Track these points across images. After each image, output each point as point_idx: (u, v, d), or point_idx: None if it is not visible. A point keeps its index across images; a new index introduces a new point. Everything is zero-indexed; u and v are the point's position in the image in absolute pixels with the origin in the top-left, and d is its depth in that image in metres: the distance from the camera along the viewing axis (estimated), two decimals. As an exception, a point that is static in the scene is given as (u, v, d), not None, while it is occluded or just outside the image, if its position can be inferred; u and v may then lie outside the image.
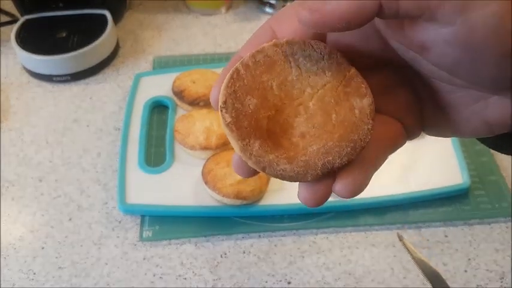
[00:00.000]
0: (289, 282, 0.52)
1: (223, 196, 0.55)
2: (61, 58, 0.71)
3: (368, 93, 0.23)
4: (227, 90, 0.23)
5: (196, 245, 0.55)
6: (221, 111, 0.22)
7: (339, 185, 0.22)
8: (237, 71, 0.23)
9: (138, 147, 0.62)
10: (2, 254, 0.54)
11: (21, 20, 0.77)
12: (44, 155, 0.64)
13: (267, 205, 0.57)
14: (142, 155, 0.61)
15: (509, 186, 0.59)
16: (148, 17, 0.86)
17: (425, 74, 0.24)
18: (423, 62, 0.22)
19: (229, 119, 0.22)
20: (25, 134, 0.67)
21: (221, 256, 0.54)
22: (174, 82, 0.68)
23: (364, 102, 0.23)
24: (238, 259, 0.54)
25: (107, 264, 0.53)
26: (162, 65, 0.76)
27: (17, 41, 0.73)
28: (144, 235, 0.55)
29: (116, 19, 0.81)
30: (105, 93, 0.72)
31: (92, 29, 0.75)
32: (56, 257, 0.54)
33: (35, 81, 0.74)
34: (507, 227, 0.56)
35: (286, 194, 0.57)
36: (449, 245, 0.54)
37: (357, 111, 0.23)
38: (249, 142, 0.22)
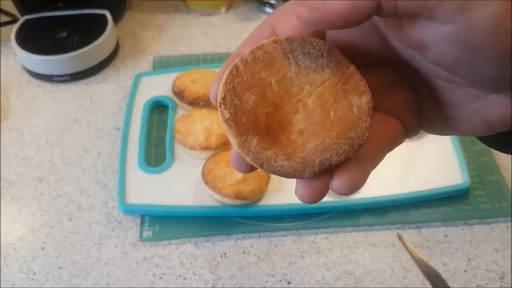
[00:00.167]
0: (289, 282, 0.52)
1: (223, 196, 0.55)
2: (61, 58, 0.71)
3: (367, 91, 0.23)
4: (226, 87, 0.23)
5: (196, 245, 0.55)
6: (220, 107, 0.23)
7: (336, 182, 0.22)
8: (236, 67, 0.23)
9: (138, 147, 0.62)
10: (2, 254, 0.54)
11: (21, 20, 0.77)
12: (44, 155, 0.64)
13: (267, 205, 0.57)
14: (142, 155, 0.61)
15: (509, 186, 0.59)
16: (148, 17, 0.86)
17: (424, 73, 0.24)
18: (422, 61, 0.22)
19: (227, 115, 0.22)
20: (25, 134, 0.67)
21: (221, 256, 0.54)
22: (174, 82, 0.68)
23: (362, 100, 0.23)
24: (238, 259, 0.54)
25: (107, 264, 0.53)
26: (162, 65, 0.76)
27: (17, 41, 0.73)
28: (144, 235, 0.55)
29: (116, 19, 0.81)
30: (105, 93, 0.72)
31: (92, 29, 0.75)
32: (56, 257, 0.54)
33: (35, 81, 0.74)
34: (507, 227, 0.56)
35: (286, 194, 0.57)
36: (449, 245, 0.54)
37: (355, 109, 0.23)
38: (247, 138, 0.22)
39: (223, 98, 0.22)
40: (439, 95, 0.24)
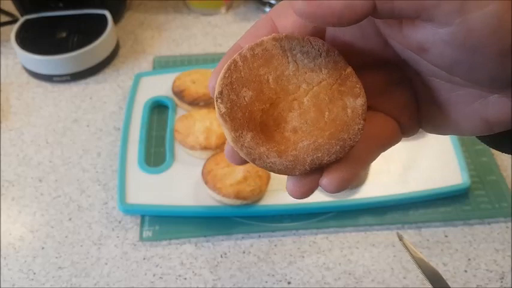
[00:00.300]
0: (289, 282, 0.52)
1: (223, 196, 0.55)
2: (61, 58, 0.71)
3: (362, 94, 0.23)
4: (224, 81, 0.23)
5: (196, 245, 0.55)
6: (216, 101, 0.23)
7: (325, 179, 0.23)
8: (234, 62, 0.23)
9: (138, 147, 0.62)
10: (2, 254, 0.54)
11: (21, 20, 0.77)
12: (44, 155, 0.64)
13: (267, 205, 0.57)
14: (142, 155, 0.61)
15: (509, 186, 0.59)
16: (148, 17, 0.86)
17: (424, 73, 0.24)
18: (422, 62, 0.22)
19: (223, 110, 0.23)
20: (25, 134, 0.67)
21: (221, 256, 0.54)
22: (174, 82, 0.68)
23: (357, 102, 0.23)
24: (238, 259, 0.54)
25: (106, 264, 0.53)
26: (162, 65, 0.76)
27: (17, 41, 0.74)
28: (144, 235, 0.55)
29: (116, 19, 0.81)
30: (105, 93, 0.72)
31: (92, 29, 0.75)
32: (56, 257, 0.54)
33: (35, 81, 0.74)
34: (507, 227, 0.56)
35: (286, 194, 0.56)
36: (449, 245, 0.54)
37: (349, 111, 0.23)
38: (242, 133, 0.23)
39: (221, 93, 0.23)
40: (439, 94, 0.24)
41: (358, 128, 0.23)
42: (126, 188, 0.58)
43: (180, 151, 0.62)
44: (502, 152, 0.27)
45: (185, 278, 0.52)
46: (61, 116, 0.69)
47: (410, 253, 0.43)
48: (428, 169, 0.59)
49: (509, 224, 0.56)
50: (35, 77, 0.74)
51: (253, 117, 0.23)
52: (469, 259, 0.53)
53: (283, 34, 0.23)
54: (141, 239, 0.55)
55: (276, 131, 0.23)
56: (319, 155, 0.23)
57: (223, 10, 0.86)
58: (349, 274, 0.52)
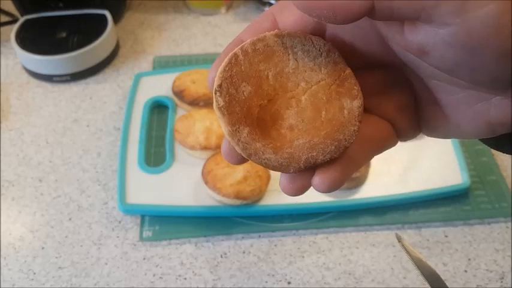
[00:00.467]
0: (289, 282, 0.52)
1: (223, 196, 0.55)
2: (61, 58, 0.71)
3: (359, 96, 0.24)
4: (223, 74, 0.23)
5: (196, 245, 0.55)
6: (215, 94, 0.23)
7: (317, 179, 0.23)
8: (235, 56, 0.23)
9: (138, 147, 0.62)
10: (2, 254, 0.54)
11: (21, 20, 0.77)
12: (44, 155, 0.64)
13: (267, 205, 0.57)
14: (142, 155, 0.61)
15: (509, 186, 0.59)
16: (148, 17, 0.86)
17: (425, 75, 0.24)
18: (422, 64, 0.22)
19: (221, 103, 0.23)
20: (25, 134, 0.67)
21: (221, 256, 0.54)
22: (174, 82, 0.68)
23: (354, 104, 0.23)
24: (238, 259, 0.54)
25: (106, 264, 0.53)
26: (162, 65, 0.76)
27: (17, 41, 0.74)
28: (144, 235, 0.55)
29: (116, 19, 0.81)
30: (105, 93, 0.72)
31: (92, 29, 0.75)
32: (56, 257, 0.54)
33: (35, 81, 0.74)
34: (507, 227, 0.56)
35: (286, 194, 0.57)
36: (449, 245, 0.54)
37: (346, 112, 0.23)
38: (239, 128, 0.23)
39: (220, 86, 0.23)
40: (440, 97, 0.24)
41: (354, 130, 0.23)
42: (126, 188, 0.58)
43: (180, 151, 0.62)
44: (502, 153, 0.27)
45: (185, 278, 0.52)
46: (61, 116, 0.69)
47: (410, 254, 0.43)
48: (429, 169, 0.59)
49: (509, 224, 0.56)
50: (35, 77, 0.74)
51: (251, 112, 0.23)
52: (469, 259, 0.53)
53: (286, 31, 0.24)
54: (141, 239, 0.55)
55: (272, 128, 0.23)
56: (314, 154, 0.23)
57: (223, 10, 0.86)
58: (349, 274, 0.52)
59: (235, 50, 0.23)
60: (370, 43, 0.23)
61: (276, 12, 0.24)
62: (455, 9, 0.18)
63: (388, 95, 0.25)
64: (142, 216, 0.57)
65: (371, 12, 0.19)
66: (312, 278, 0.52)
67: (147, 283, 0.52)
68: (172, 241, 0.55)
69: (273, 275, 0.52)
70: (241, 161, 0.24)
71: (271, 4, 0.84)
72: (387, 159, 0.60)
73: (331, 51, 0.24)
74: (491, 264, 0.53)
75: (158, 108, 0.68)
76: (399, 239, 0.47)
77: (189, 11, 0.87)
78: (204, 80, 0.68)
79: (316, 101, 0.23)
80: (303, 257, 0.54)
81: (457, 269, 0.52)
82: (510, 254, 0.53)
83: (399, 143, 0.27)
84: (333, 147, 0.23)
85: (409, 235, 0.55)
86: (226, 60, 0.23)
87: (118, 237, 0.56)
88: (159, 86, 0.70)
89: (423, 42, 0.20)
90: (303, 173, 0.23)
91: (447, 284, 0.44)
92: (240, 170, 0.56)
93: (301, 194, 0.24)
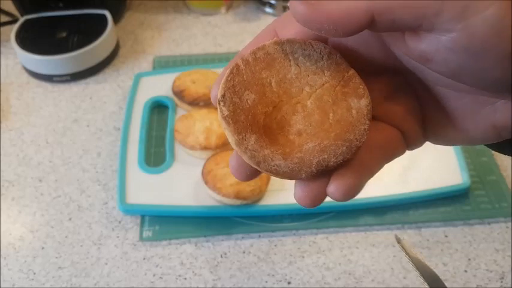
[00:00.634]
0: (289, 282, 0.52)
1: (223, 196, 0.55)
2: (61, 58, 0.71)
3: (366, 94, 0.23)
4: (226, 84, 0.23)
5: (196, 245, 0.55)
6: (219, 104, 0.23)
7: (332, 186, 0.22)
8: (237, 66, 0.23)
9: (138, 147, 0.62)
10: (2, 254, 0.54)
11: (21, 20, 0.77)
12: (44, 155, 0.64)
13: (267, 205, 0.57)
14: (142, 155, 0.61)
15: (509, 186, 0.59)
16: (148, 17, 0.86)
17: (429, 81, 0.24)
18: (426, 70, 0.22)
19: (226, 112, 0.22)
20: (25, 134, 0.67)
21: (221, 256, 0.54)
22: (174, 82, 0.68)
23: (361, 103, 0.23)
24: (238, 259, 0.54)
25: (106, 264, 0.53)
26: (162, 65, 0.76)
27: (17, 41, 0.74)
28: (144, 235, 0.55)
29: (116, 19, 0.81)
30: (105, 93, 0.72)
31: (92, 29, 0.75)
32: (56, 257, 0.54)
33: (35, 81, 0.74)
34: (507, 227, 0.56)
35: (286, 194, 0.57)
36: (449, 245, 0.54)
37: (354, 112, 0.23)
38: (245, 136, 0.22)
39: (223, 96, 0.23)
40: (446, 104, 0.24)
41: (364, 128, 0.23)
42: (126, 188, 0.58)
43: (180, 151, 0.62)
44: (502, 154, 0.27)
45: (185, 278, 0.52)
46: (61, 116, 0.69)
47: (409, 255, 0.43)
48: (428, 169, 0.59)
49: (509, 224, 0.56)
50: (35, 77, 0.74)
51: (257, 120, 0.23)
52: (469, 259, 0.53)
53: (285, 38, 0.23)
54: (141, 239, 0.55)
55: (280, 134, 0.23)
56: (325, 156, 0.22)
57: (223, 10, 0.86)
58: (349, 274, 0.52)
59: (236, 60, 0.23)
60: (373, 49, 0.23)
61: (278, 27, 0.24)
62: (456, 15, 0.18)
63: (394, 101, 0.25)
64: (142, 216, 0.57)
65: (372, 25, 0.19)
66: (312, 278, 0.52)
67: (147, 283, 0.52)
68: (172, 241, 0.55)
69: (273, 275, 0.52)
70: (251, 176, 0.23)
71: (271, 4, 0.84)
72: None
73: (332, 54, 0.23)
74: (491, 264, 0.53)
75: (158, 108, 0.68)
76: (398, 241, 0.47)
77: (189, 11, 0.87)
78: (204, 80, 0.68)
79: (322, 104, 0.23)
80: (303, 257, 0.54)
81: (457, 269, 0.52)
82: (510, 254, 0.53)
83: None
84: (345, 147, 0.22)
85: (409, 235, 0.55)
86: (227, 71, 0.23)
87: (118, 237, 0.56)
88: (159, 86, 0.70)
89: (425, 49, 0.20)
90: (316, 181, 0.22)
91: (447, 284, 0.44)
92: (240, 170, 0.56)
93: (318, 204, 0.23)
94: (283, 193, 0.57)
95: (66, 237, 0.56)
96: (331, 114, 0.23)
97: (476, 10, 0.18)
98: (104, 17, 0.77)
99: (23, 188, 0.60)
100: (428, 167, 0.59)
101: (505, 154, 0.27)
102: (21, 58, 0.74)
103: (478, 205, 0.57)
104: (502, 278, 0.52)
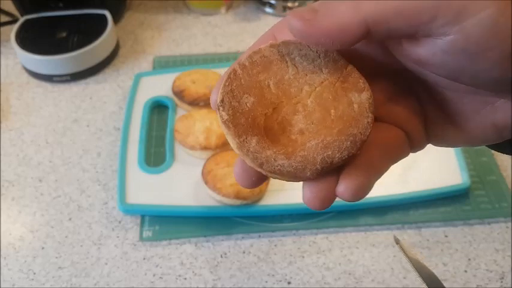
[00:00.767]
0: (289, 282, 0.52)
1: (223, 196, 0.55)
2: (61, 58, 0.71)
3: (366, 88, 0.23)
4: (224, 89, 0.23)
5: (196, 245, 0.55)
6: (218, 109, 0.23)
7: (341, 186, 0.22)
8: (234, 71, 0.23)
9: (138, 147, 0.62)
10: (2, 254, 0.54)
11: (21, 20, 0.77)
12: (44, 155, 0.64)
13: (267, 205, 0.57)
14: (142, 155, 0.61)
15: (509, 186, 0.59)
16: (148, 17, 0.86)
17: (430, 83, 0.24)
18: (427, 72, 0.22)
19: (226, 117, 0.22)
20: (25, 134, 0.67)
21: (221, 256, 0.54)
22: (174, 82, 0.68)
23: (362, 97, 0.23)
24: (238, 259, 0.54)
25: (106, 264, 0.53)
26: (162, 65, 0.76)
27: (17, 41, 0.74)
28: (144, 235, 0.55)
29: (116, 19, 0.81)
30: (105, 93, 0.72)
31: (92, 29, 0.75)
32: (56, 257, 0.54)
33: (35, 81, 0.74)
34: (507, 227, 0.56)
35: (286, 194, 0.57)
36: (449, 245, 0.54)
37: (355, 106, 0.23)
38: (246, 139, 0.22)
39: (222, 101, 0.23)
40: (447, 105, 0.24)
41: (368, 122, 0.22)
42: (126, 188, 0.58)
43: (180, 151, 0.62)
44: (502, 153, 0.27)
45: (185, 278, 0.52)
46: (61, 116, 0.69)
47: (408, 256, 0.43)
48: (428, 169, 0.59)
49: (509, 224, 0.56)
50: (35, 77, 0.74)
51: (257, 122, 0.23)
52: (469, 259, 0.53)
53: (280, 41, 0.23)
54: (141, 239, 0.55)
55: (282, 135, 0.23)
56: (330, 152, 0.22)
57: (223, 10, 0.86)
58: (349, 274, 0.52)
59: (233, 66, 0.23)
60: (374, 50, 0.23)
61: (276, 32, 0.24)
62: (451, 19, 0.18)
63: (396, 102, 0.25)
64: (142, 216, 0.57)
65: (368, 35, 0.20)
66: (312, 278, 0.52)
67: (147, 283, 0.52)
68: (172, 241, 0.55)
69: (273, 275, 0.52)
70: (256, 183, 0.23)
71: (271, 4, 0.84)
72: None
73: (329, 51, 0.23)
74: (491, 264, 0.53)
75: (158, 108, 0.68)
76: (397, 241, 0.47)
77: (189, 11, 0.87)
78: (204, 80, 0.68)
79: (322, 102, 0.23)
80: (303, 257, 0.54)
81: (457, 269, 0.52)
82: (510, 254, 0.53)
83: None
84: (349, 142, 0.22)
85: (409, 235, 0.55)
86: (225, 77, 0.23)
87: (118, 237, 0.56)
88: (159, 86, 0.70)
89: (423, 53, 0.20)
90: (323, 180, 0.22)
91: (447, 284, 0.44)
92: (240, 170, 0.56)
93: (327, 206, 0.22)
94: (283, 193, 0.57)
95: (66, 237, 0.56)
96: (332, 111, 0.23)
97: (471, 12, 0.18)
98: (104, 17, 0.77)
99: (23, 188, 0.60)
100: (428, 167, 0.59)
101: (505, 153, 0.27)
102: (21, 58, 0.74)
103: (478, 205, 0.57)
104: (502, 278, 0.52)
